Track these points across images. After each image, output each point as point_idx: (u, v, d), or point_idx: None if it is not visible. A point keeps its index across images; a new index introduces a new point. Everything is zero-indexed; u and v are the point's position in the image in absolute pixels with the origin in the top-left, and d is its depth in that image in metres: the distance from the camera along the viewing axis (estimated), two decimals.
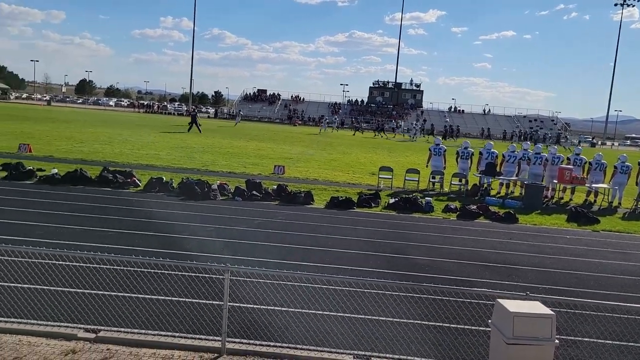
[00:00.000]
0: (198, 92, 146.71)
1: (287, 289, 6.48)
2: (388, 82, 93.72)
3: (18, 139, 21.47)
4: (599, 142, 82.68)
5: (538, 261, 9.43)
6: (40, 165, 14.98)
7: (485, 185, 16.96)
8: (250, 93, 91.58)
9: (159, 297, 6.19)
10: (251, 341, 5.34)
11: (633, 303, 6.95)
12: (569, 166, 16.94)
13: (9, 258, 6.66)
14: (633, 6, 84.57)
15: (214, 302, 6.09)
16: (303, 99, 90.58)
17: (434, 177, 17.27)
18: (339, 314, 6.12)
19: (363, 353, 5.31)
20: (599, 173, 16.92)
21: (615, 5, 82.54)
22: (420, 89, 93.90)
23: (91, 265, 7.02)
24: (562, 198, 17.14)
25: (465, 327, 6.06)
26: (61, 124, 35.64)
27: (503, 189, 17.56)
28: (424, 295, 6.62)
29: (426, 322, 6.12)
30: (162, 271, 6.64)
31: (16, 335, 5.13)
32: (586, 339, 6.00)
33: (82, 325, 5.40)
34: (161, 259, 5.35)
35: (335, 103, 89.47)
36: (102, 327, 5.38)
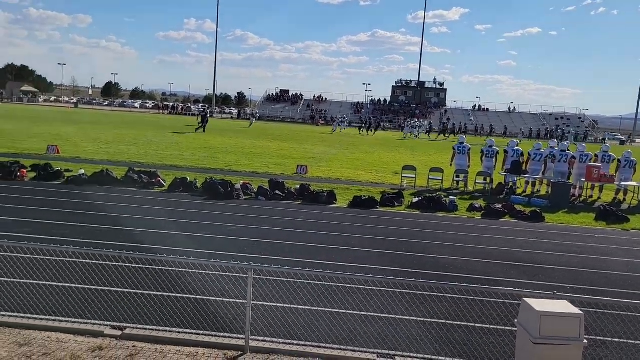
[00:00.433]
0: (221, 93, 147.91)
1: (310, 288, 6.48)
2: (411, 81, 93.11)
3: (46, 141, 21.95)
4: (628, 140, 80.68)
5: (565, 260, 9.25)
6: (68, 166, 15.29)
7: (510, 184, 16.71)
8: (273, 94, 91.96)
9: (184, 295, 6.25)
10: (275, 339, 5.35)
11: None
12: (597, 164, 16.58)
13: (38, 257, 6.81)
14: None
15: (237, 300, 6.12)
16: (325, 99, 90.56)
17: (457, 176, 17.09)
18: (363, 313, 6.10)
19: (387, 352, 5.27)
20: (629, 170, 16.52)
21: None
22: (444, 88, 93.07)
23: (117, 263, 7.13)
24: (591, 196, 16.78)
25: (491, 326, 5.97)
26: (88, 125, 36.34)
27: (529, 187, 17.28)
28: (449, 295, 6.55)
29: (451, 322, 6.05)
30: (187, 270, 6.70)
31: (45, 332, 5.23)
32: (615, 340, 5.86)
33: (108, 323, 5.48)
34: (185, 258, 5.40)
35: (358, 103, 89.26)
36: (128, 325, 5.45)
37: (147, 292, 6.24)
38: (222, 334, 5.38)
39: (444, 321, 6.04)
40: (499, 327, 5.95)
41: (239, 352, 5.09)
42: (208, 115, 39.37)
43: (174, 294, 6.23)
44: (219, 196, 12.79)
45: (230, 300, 6.17)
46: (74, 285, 6.29)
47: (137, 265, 7.01)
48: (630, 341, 5.86)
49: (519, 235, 10.99)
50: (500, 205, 13.32)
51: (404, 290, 6.65)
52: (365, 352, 5.25)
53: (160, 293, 6.21)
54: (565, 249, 10.11)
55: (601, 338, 5.81)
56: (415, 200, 13.60)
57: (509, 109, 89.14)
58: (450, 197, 13.88)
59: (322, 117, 77.95)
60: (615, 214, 13.20)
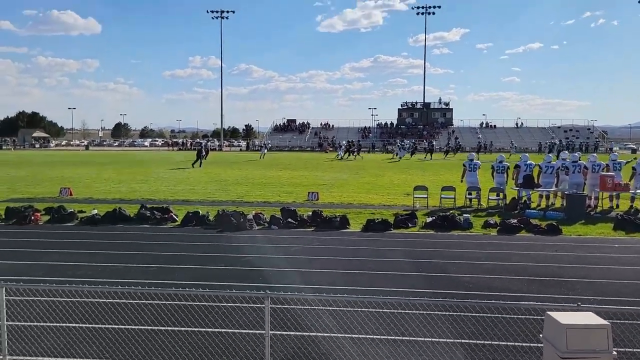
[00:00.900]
0: (229, 126, 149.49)
1: (328, 314, 6.39)
2: (416, 102, 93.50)
3: (59, 184, 22.18)
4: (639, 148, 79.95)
5: (586, 272, 9.07)
6: (81, 207, 15.40)
7: (524, 198, 16.55)
8: (280, 124, 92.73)
9: (201, 329, 6.18)
10: None
11: None
12: (610, 173, 16.40)
13: (53, 298, 6.79)
14: None
15: (255, 331, 6.04)
16: (332, 125, 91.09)
17: (470, 193, 16.97)
18: (384, 337, 5.98)
19: None
20: None
21: None
22: (450, 107, 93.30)
23: (133, 300, 7.09)
24: (611, 207, 16.50)
25: (516, 343, 5.81)
26: (99, 166, 36.76)
27: (543, 201, 17.09)
28: (470, 314, 6.42)
29: (474, 341, 5.91)
30: (203, 303, 6.64)
31: None
32: None
33: None
34: (200, 290, 5.35)
35: (365, 127, 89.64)
36: None
37: (163, 327, 6.18)
38: None
39: (467, 341, 5.91)
40: (524, 343, 5.79)
41: None
42: (204, 150, 38.70)
43: (190, 328, 6.16)
44: (232, 227, 12.78)
45: (249, 331, 6.09)
46: (91, 325, 6.25)
47: (152, 301, 6.96)
48: None
49: (536, 250, 10.82)
50: (515, 220, 13.16)
51: (424, 312, 6.53)
52: None
53: (177, 328, 6.15)
54: (586, 260, 9.92)
55: (630, 349, 5.63)
56: (429, 220, 13.48)
57: (517, 124, 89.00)
58: (464, 214, 13.74)
59: (330, 143, 78.27)
60: (633, 222, 12.97)
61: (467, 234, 12.52)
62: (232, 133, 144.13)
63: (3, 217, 13.97)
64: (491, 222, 13.27)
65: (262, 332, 5.52)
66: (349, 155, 51.19)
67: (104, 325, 6.25)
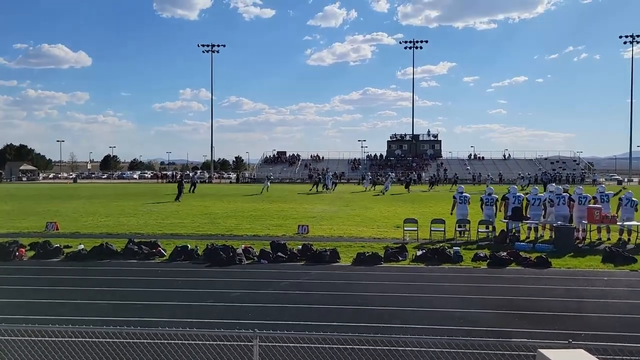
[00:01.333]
0: (219, 158, 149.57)
1: (319, 352, 6.28)
2: (405, 134, 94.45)
3: (45, 218, 21.93)
4: (625, 179, 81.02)
5: (577, 306, 9.04)
6: (67, 242, 15.19)
7: (514, 231, 16.60)
8: (270, 155, 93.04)
9: None
10: None
11: None
12: (597, 205, 16.55)
13: (35, 338, 6.62)
14: None
15: None
16: (322, 157, 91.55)
17: (459, 226, 17.01)
18: None
19: None
20: (630, 210, 16.47)
21: (625, 43, 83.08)
22: (438, 139, 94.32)
23: (118, 340, 6.93)
24: (599, 239, 16.61)
25: None
26: (87, 200, 36.44)
27: (532, 233, 17.16)
28: (461, 350, 6.33)
29: None
30: (189, 341, 6.51)
31: None
32: None
33: None
34: (187, 329, 5.25)
35: (355, 159, 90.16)
36: None
37: None
38: None
39: None
40: None
41: None
42: (191, 182, 37.74)
43: None
44: (221, 262, 12.65)
45: None
46: None
47: (137, 341, 6.81)
48: None
49: (527, 283, 10.80)
50: (505, 253, 13.17)
51: (414, 348, 6.44)
52: None
53: None
54: (576, 294, 9.91)
55: None
56: (419, 253, 13.45)
57: (504, 156, 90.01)
58: (454, 247, 13.74)
59: (320, 175, 78.38)
60: (621, 255, 13.03)
61: (458, 267, 12.49)
62: (222, 165, 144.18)
63: None
64: (481, 255, 13.26)
65: None
66: (324, 188, 48.01)
67: None
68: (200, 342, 6.55)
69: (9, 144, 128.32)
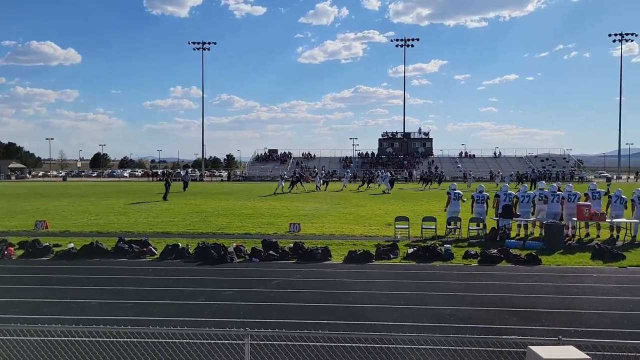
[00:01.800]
0: (210, 156, 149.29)
1: (310, 351, 6.28)
2: (397, 132, 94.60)
3: (34, 217, 21.75)
4: (614, 177, 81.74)
5: (567, 303, 9.11)
6: (57, 241, 15.08)
7: (504, 229, 16.69)
8: (261, 153, 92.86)
9: None
10: None
11: None
12: (586, 203, 16.68)
13: (24, 338, 6.57)
14: (632, 41, 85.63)
15: None
16: (314, 155, 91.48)
17: (449, 224, 17.07)
18: None
19: None
20: (619, 207, 16.61)
21: (614, 41, 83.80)
22: (429, 137, 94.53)
23: (108, 339, 6.89)
24: (587, 235, 16.77)
25: None
26: (77, 198, 36.19)
27: (522, 230, 17.26)
28: (452, 347, 6.36)
29: None
30: (181, 340, 6.48)
31: None
32: None
33: None
34: (178, 328, 5.23)
35: (347, 157, 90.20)
36: None
37: None
38: None
39: None
40: None
41: None
42: (183, 181, 35.71)
43: None
44: (212, 260, 12.61)
45: None
46: None
47: (128, 340, 6.78)
48: None
49: (517, 280, 10.86)
50: (495, 251, 13.24)
51: (406, 346, 6.46)
52: None
53: None
54: (565, 291, 9.98)
55: None
56: (410, 251, 13.49)
57: (495, 153, 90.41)
58: (445, 245, 13.79)
59: (311, 173, 78.41)
60: (610, 252, 13.14)
61: (449, 264, 12.53)
62: (214, 163, 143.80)
63: None
64: (472, 252, 13.32)
65: None
66: (292, 186, 44.11)
67: None
68: (191, 341, 6.53)
69: None
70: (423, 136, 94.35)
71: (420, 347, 6.25)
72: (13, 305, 8.80)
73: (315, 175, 51.57)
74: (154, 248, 13.87)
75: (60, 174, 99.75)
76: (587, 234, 16.81)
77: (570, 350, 4.55)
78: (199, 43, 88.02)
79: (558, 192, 17.07)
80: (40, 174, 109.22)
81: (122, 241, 14.06)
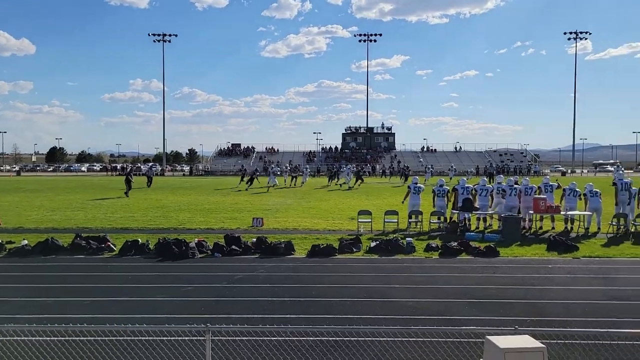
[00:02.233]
0: (172, 151, 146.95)
1: (272, 345, 6.26)
2: (360, 127, 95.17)
3: None
4: (569, 171, 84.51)
5: (524, 293, 9.37)
6: (10, 238, 14.55)
7: (464, 221, 17.03)
8: (224, 148, 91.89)
9: None
10: None
11: (621, 328, 6.92)
12: (542, 196, 17.18)
13: None
14: (585, 39, 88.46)
15: None
16: (277, 150, 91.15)
17: (410, 217, 17.30)
18: None
19: None
20: (573, 199, 17.17)
21: (569, 39, 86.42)
22: (392, 132, 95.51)
23: (64, 338, 6.69)
24: (541, 228, 17.30)
25: None
26: (31, 193, 34.99)
27: (481, 223, 17.65)
28: (412, 339, 6.46)
29: None
30: (139, 338, 6.35)
31: None
32: None
33: None
34: (137, 325, 5.12)
35: (310, 152, 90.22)
36: None
37: None
38: None
39: None
40: None
41: None
42: (147, 177, 32.15)
43: None
44: (173, 256, 12.41)
45: None
46: None
47: (84, 338, 6.60)
48: None
49: (476, 272, 11.11)
50: (456, 243, 13.49)
51: (367, 338, 6.52)
52: None
53: None
54: (522, 281, 10.26)
55: None
56: (373, 244, 13.61)
57: (456, 148, 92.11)
58: (407, 239, 13.97)
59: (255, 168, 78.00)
60: (564, 243, 13.58)
61: (410, 257, 12.71)
62: (175, 157, 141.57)
63: None
64: (433, 245, 13.54)
65: None
66: (247, 183, 40.21)
67: None
68: (151, 338, 6.41)
69: None
70: (386, 131, 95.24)
71: (381, 339, 6.31)
72: None
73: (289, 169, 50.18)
74: (113, 244, 13.55)
75: (14, 169, 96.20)
76: (541, 227, 17.33)
77: (526, 340, 4.67)
78: (159, 35, 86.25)
79: (515, 186, 17.52)
80: None
81: (79, 237, 13.67)
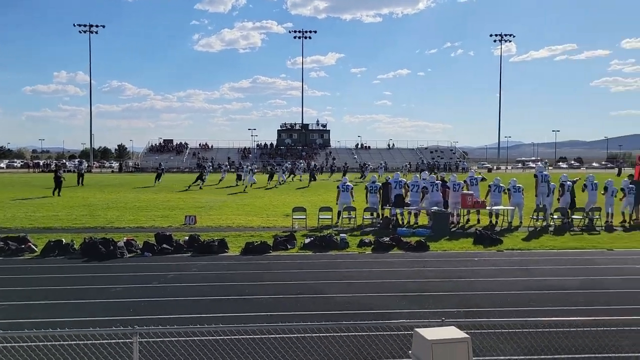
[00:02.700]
0: (100, 146, 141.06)
1: (203, 345, 6.15)
2: (295, 124, 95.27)
3: None
4: (495, 167, 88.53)
5: (451, 286, 9.72)
6: None
7: (397, 217, 17.46)
8: (156, 144, 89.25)
9: None
10: None
11: (539, 317, 7.33)
12: (470, 192, 17.90)
13: None
14: (509, 41, 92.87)
15: None
16: (212, 146, 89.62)
17: (342, 213, 17.52)
18: None
19: None
20: (498, 195, 18.00)
21: (495, 41, 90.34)
22: (327, 129, 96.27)
23: None
24: (468, 221, 18.03)
25: None
26: None
27: (412, 218, 18.16)
28: (346, 334, 6.54)
29: None
30: (62, 342, 6.05)
31: None
32: (501, 357, 6.18)
33: None
34: (58, 330, 4.88)
35: (245, 148, 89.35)
36: None
37: None
38: None
39: None
40: None
41: None
42: (61, 176, 29.80)
43: None
44: (100, 256, 11.92)
45: None
46: None
47: (6, 345, 6.21)
48: (514, 357, 6.22)
49: (407, 266, 11.41)
50: (388, 239, 13.80)
51: (299, 335, 6.53)
52: None
53: None
54: (450, 274, 10.65)
55: (488, 357, 6.10)
56: (307, 241, 13.67)
57: (389, 145, 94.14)
58: (341, 234, 14.13)
59: (210, 164, 76.64)
60: (489, 237, 14.22)
61: (344, 253, 12.87)
62: (103, 154, 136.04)
63: None
64: (366, 241, 13.78)
65: None
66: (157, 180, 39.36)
67: None
68: (73, 343, 6.12)
69: None
70: (321, 128, 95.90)
71: (313, 335, 6.35)
72: None
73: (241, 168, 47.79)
74: (34, 245, 12.83)
75: None
76: (468, 220, 18.09)
77: (452, 331, 4.85)
78: (85, 26, 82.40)
79: (437, 182, 18.33)
80: None
81: None
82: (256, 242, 13.24)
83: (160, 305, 8.32)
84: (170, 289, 9.34)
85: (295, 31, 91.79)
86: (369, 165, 62.74)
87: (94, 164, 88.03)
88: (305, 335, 6.45)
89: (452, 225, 17.14)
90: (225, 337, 5.99)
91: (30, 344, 5.94)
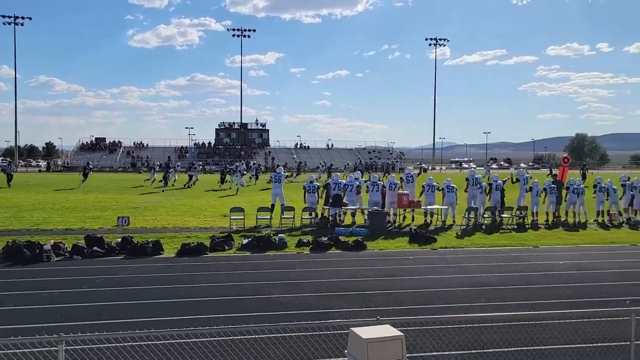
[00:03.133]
0: (26, 144, 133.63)
1: (135, 351, 5.94)
2: (234, 123, 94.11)
3: None
4: (430, 167, 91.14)
5: (387, 284, 9.91)
6: None
7: (335, 216, 17.62)
8: (87, 142, 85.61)
9: None
10: None
11: (470, 313, 7.61)
12: (406, 192, 18.34)
13: None
14: (444, 45, 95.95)
15: None
16: (147, 145, 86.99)
17: (283, 213, 17.48)
18: None
19: None
20: (432, 195, 18.54)
21: (430, 45, 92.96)
22: (266, 128, 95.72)
23: None
24: (405, 218, 18.46)
25: None
26: None
27: (348, 217, 18.39)
28: (283, 334, 6.51)
29: None
30: None
31: None
32: (434, 353, 6.37)
33: None
34: None
35: (182, 147, 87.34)
36: None
37: None
38: None
39: None
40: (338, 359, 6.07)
41: None
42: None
43: None
44: (25, 260, 11.30)
45: None
46: None
47: None
48: (446, 352, 6.42)
49: (345, 265, 11.53)
50: (326, 238, 13.89)
51: (235, 338, 6.46)
52: None
53: None
54: (386, 273, 10.86)
55: (421, 354, 6.26)
56: (245, 241, 13.55)
57: (328, 145, 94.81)
58: (279, 234, 14.09)
59: (144, 164, 74.48)
60: (424, 235, 14.62)
61: (282, 253, 12.84)
62: (30, 152, 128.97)
63: None
64: (304, 240, 13.81)
65: None
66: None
67: None
68: None
69: None
70: (260, 127, 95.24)
71: (249, 337, 6.30)
72: None
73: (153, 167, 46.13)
74: None
75: None
76: (405, 217, 18.56)
77: (387, 329, 4.93)
78: (10, 17, 77.72)
79: (378, 182, 18.66)
80: None
81: None
82: (192, 243, 12.98)
83: (89, 311, 7.98)
84: (100, 294, 8.99)
85: (234, 29, 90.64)
86: (325, 164, 62.02)
87: (19, 162, 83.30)
88: (242, 337, 6.39)
89: (389, 224, 17.49)
90: (158, 342, 5.81)
91: None
